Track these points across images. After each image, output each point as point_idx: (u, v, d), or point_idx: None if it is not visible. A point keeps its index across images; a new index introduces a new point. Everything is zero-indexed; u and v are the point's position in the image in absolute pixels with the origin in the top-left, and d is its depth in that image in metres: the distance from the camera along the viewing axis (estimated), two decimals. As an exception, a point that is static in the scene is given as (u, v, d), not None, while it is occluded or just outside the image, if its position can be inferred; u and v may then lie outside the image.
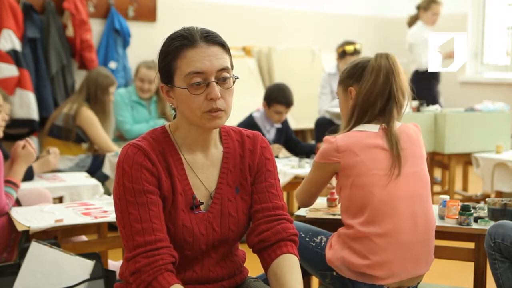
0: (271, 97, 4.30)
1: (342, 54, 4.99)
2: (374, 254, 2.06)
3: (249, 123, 4.33)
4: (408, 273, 2.11)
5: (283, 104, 4.27)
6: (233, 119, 4.44)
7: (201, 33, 1.60)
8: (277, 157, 4.38)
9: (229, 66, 1.62)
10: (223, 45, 1.62)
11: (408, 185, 2.11)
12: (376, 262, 2.06)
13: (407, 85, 2.20)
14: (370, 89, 2.17)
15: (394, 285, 2.10)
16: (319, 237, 2.26)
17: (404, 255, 2.08)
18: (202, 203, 1.65)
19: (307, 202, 2.36)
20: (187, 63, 1.57)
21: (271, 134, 4.43)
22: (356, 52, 4.94)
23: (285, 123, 4.52)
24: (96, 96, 4.30)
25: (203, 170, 1.67)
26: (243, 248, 1.83)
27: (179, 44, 1.58)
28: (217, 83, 1.58)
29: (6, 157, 3.19)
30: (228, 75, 1.60)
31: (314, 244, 2.24)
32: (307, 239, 2.26)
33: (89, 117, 4.23)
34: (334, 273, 2.16)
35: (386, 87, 2.16)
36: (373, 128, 2.16)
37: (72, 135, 4.22)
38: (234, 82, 1.62)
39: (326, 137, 2.19)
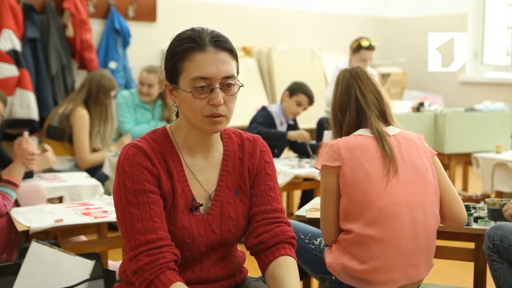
0: (296, 88, 4.38)
1: (357, 48, 4.97)
2: (374, 259, 2.05)
3: (266, 113, 4.40)
4: (408, 279, 2.09)
5: (308, 96, 4.35)
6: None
7: (211, 36, 1.58)
8: (299, 152, 4.42)
9: (235, 73, 1.61)
10: (231, 51, 1.61)
11: (408, 191, 2.08)
12: (376, 267, 2.05)
13: (380, 89, 2.21)
14: (334, 102, 2.25)
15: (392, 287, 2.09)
16: (318, 239, 2.25)
17: (404, 261, 2.07)
18: (201, 205, 1.65)
19: (327, 228, 2.16)
20: (194, 67, 1.56)
21: (283, 128, 4.47)
22: (371, 47, 4.92)
23: (295, 122, 4.55)
24: (97, 98, 4.23)
25: (203, 172, 1.67)
26: (243, 249, 1.83)
27: (188, 46, 1.57)
28: (221, 89, 1.57)
29: (4, 158, 3.19)
30: (233, 82, 1.59)
31: (313, 247, 2.24)
32: (306, 241, 2.25)
33: (82, 117, 4.15)
34: (333, 277, 2.16)
35: (349, 93, 2.19)
36: (369, 132, 2.14)
37: (66, 135, 4.16)
38: (238, 89, 1.61)
39: (327, 142, 2.17)
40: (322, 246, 2.22)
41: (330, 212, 2.14)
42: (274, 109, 4.44)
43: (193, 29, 1.61)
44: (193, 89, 1.56)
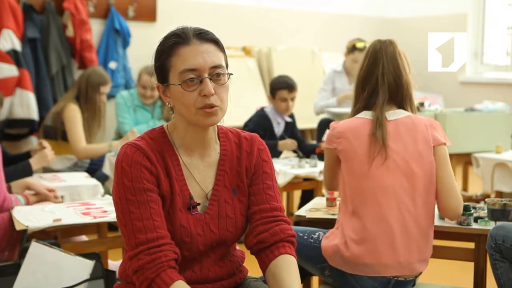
0: (273, 87, 4.37)
1: (352, 49, 4.99)
2: (363, 242, 2.09)
3: (261, 115, 4.39)
4: (399, 266, 2.11)
5: (285, 88, 4.31)
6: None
7: (194, 31, 1.61)
8: (295, 151, 4.41)
9: (223, 63, 1.62)
10: (216, 42, 1.63)
11: (394, 177, 2.11)
12: (365, 249, 2.09)
13: (404, 70, 2.21)
14: (359, 74, 2.25)
15: (383, 274, 2.11)
16: (317, 234, 2.29)
17: (391, 246, 2.09)
18: (198, 204, 1.65)
19: (329, 185, 2.36)
20: (181, 61, 1.58)
21: (281, 127, 4.46)
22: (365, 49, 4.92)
23: (293, 119, 4.56)
24: (86, 94, 4.22)
25: (200, 171, 1.68)
26: (242, 248, 1.83)
27: (173, 42, 1.60)
28: (210, 79, 1.58)
29: (5, 156, 3.19)
30: (222, 71, 1.61)
31: (312, 240, 2.26)
32: (305, 237, 2.27)
33: (72, 111, 4.14)
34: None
35: (373, 70, 2.21)
36: (370, 115, 2.19)
37: (59, 132, 4.16)
38: (228, 79, 1.62)
39: (332, 123, 2.25)
40: (321, 238, 2.25)
41: (333, 167, 2.25)
42: (270, 110, 4.44)
43: (176, 28, 1.64)
44: (182, 82, 1.57)
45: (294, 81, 4.37)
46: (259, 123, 4.34)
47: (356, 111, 2.24)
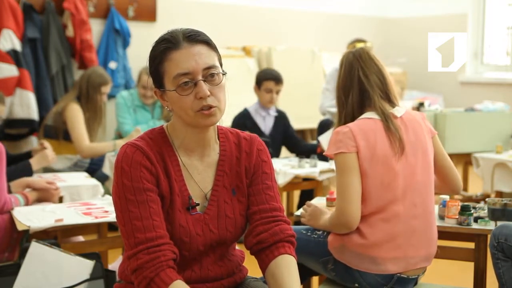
0: (259, 78, 4.40)
1: None
2: (374, 235, 2.09)
3: (240, 114, 4.41)
4: (407, 261, 2.12)
5: (272, 80, 4.34)
6: (232, 119, 4.45)
7: (184, 33, 1.60)
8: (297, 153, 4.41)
9: (216, 63, 1.62)
10: (207, 43, 1.62)
11: (414, 172, 2.14)
12: (375, 241, 2.09)
13: (383, 70, 2.24)
14: (338, 83, 2.27)
15: (389, 271, 2.12)
16: (321, 230, 2.29)
17: (403, 240, 2.11)
18: (198, 204, 1.65)
19: (353, 207, 2.10)
20: (173, 66, 1.58)
21: (267, 121, 4.46)
22: None
23: (284, 118, 4.55)
24: (87, 94, 4.25)
25: (199, 172, 1.68)
26: (242, 248, 1.83)
27: (164, 47, 1.59)
28: (204, 81, 1.58)
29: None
30: (215, 72, 1.60)
31: (316, 236, 2.28)
32: (309, 233, 2.29)
33: (74, 110, 4.17)
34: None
35: (352, 74, 2.22)
36: (376, 115, 2.18)
37: (60, 132, 4.18)
38: (223, 77, 1.62)
39: (337, 129, 2.19)
40: (325, 233, 2.25)
41: (356, 187, 2.11)
42: (252, 107, 4.45)
43: (166, 32, 1.63)
44: (177, 87, 1.57)
45: (279, 73, 4.42)
46: (237, 122, 4.34)
47: (345, 116, 2.22)
